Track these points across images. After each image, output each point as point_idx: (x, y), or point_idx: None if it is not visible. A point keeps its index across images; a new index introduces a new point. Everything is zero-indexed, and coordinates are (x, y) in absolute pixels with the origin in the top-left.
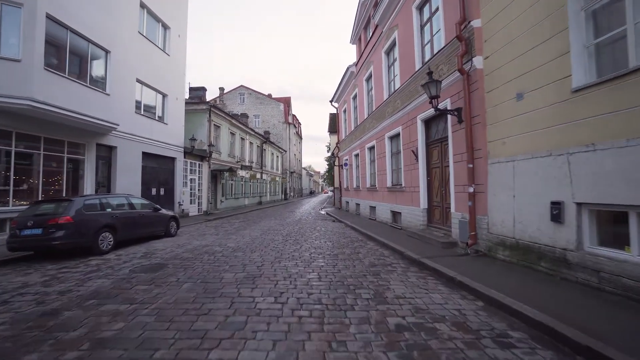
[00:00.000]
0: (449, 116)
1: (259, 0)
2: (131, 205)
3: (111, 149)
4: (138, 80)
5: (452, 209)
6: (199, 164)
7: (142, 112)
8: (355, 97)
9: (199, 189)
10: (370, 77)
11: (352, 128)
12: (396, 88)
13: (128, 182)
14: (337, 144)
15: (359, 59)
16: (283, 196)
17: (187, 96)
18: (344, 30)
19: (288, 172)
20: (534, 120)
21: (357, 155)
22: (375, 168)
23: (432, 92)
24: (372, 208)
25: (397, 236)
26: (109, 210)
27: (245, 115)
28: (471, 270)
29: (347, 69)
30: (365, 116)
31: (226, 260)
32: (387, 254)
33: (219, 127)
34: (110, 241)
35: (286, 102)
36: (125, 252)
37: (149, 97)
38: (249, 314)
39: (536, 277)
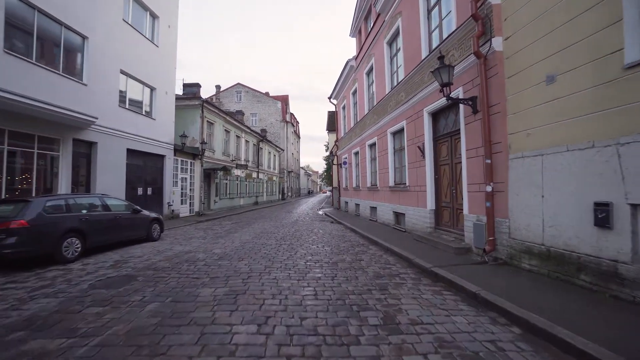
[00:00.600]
0: (461, 107)
1: (258, 0)
2: (106, 207)
3: (91, 145)
4: (122, 72)
5: (465, 211)
6: (191, 163)
7: (127, 106)
8: (355, 93)
9: (190, 189)
10: (371, 70)
11: (352, 125)
12: (400, 80)
13: (110, 181)
14: (335, 142)
15: (359, 52)
16: (280, 196)
17: (180, 93)
18: (343, 29)
19: (286, 171)
20: (569, 106)
21: (356, 154)
22: (377, 166)
23: (443, 79)
24: (373, 209)
25: (401, 240)
26: (78, 212)
27: (240, 113)
28: (495, 283)
29: (347, 63)
30: (366, 112)
31: (208, 270)
32: (393, 261)
33: (212, 124)
34: (77, 248)
35: (284, 100)
36: (94, 260)
37: (135, 90)
38: (220, 353)
39: (579, 295)
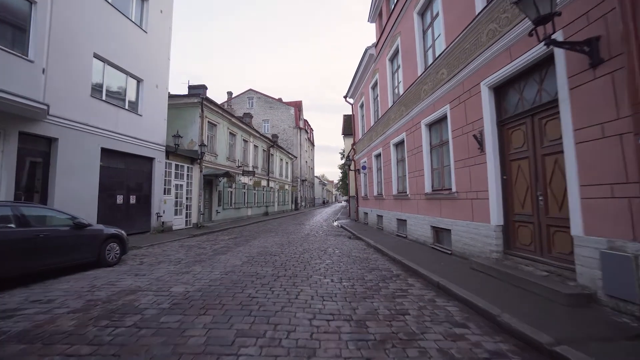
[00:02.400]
0: (561, 63)
1: (273, 13)
2: (21, 220)
3: (50, 141)
4: (97, 56)
5: (578, 230)
6: (188, 168)
7: (103, 98)
8: (375, 86)
9: (187, 198)
10: (396, 53)
11: (372, 123)
12: (438, 54)
13: (78, 186)
14: (352, 145)
15: (380, 38)
16: (293, 206)
17: (186, 94)
18: (356, 38)
19: (299, 180)
20: None
21: (378, 156)
22: (405, 169)
23: (541, 10)
24: (401, 222)
25: (455, 270)
26: None
27: (249, 115)
28: None
29: (365, 51)
30: (390, 105)
31: (127, 343)
32: (460, 316)
33: (215, 125)
34: None
35: (297, 106)
36: None
37: (115, 81)
38: None
39: None
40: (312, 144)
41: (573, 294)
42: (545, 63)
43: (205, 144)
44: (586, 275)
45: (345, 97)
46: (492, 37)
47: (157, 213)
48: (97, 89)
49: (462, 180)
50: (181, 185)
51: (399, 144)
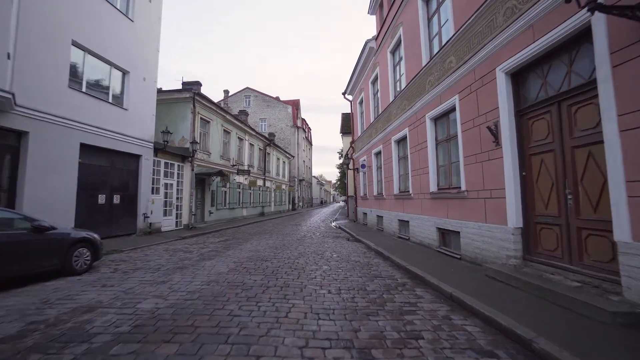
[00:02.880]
0: (600, 37)
1: (272, 15)
2: None
3: (19, 135)
4: (76, 44)
5: (624, 235)
6: (179, 166)
7: (83, 89)
8: (375, 81)
9: (177, 197)
10: (398, 45)
11: (372, 120)
12: (445, 42)
13: (52, 185)
14: (351, 143)
15: (380, 30)
16: (290, 206)
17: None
18: (357, 37)
19: (296, 179)
20: None
21: (378, 154)
22: (408, 167)
23: None
24: (403, 223)
25: (467, 277)
26: None
27: (244, 113)
28: None
29: (365, 45)
30: (391, 99)
31: None
32: (478, 333)
33: (208, 122)
34: None
35: (295, 104)
36: None
37: (98, 71)
38: None
39: None
40: (310, 143)
41: (621, 312)
42: (577, 41)
43: (197, 141)
44: (636, 289)
45: (343, 93)
46: (510, 15)
47: (143, 214)
48: (76, 80)
49: (473, 178)
50: (171, 185)
51: (401, 141)
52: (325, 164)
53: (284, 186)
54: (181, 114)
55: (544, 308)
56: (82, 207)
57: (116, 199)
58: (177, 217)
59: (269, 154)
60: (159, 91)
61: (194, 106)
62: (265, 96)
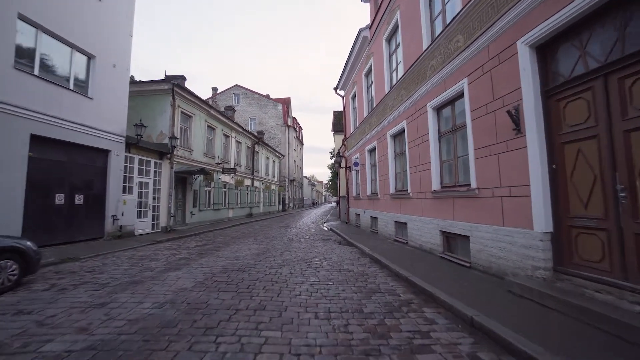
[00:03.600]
0: None
1: (259, 13)
2: None
3: None
4: (25, 19)
5: None
6: (156, 163)
7: (35, 72)
8: (369, 73)
9: (154, 197)
10: (394, 31)
11: (365, 115)
12: (451, 18)
13: None
14: (343, 141)
15: (375, 17)
16: (281, 207)
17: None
18: (350, 40)
19: (287, 179)
20: None
21: (372, 151)
22: (406, 163)
23: None
24: (401, 225)
25: (485, 293)
26: None
27: (231, 109)
28: None
29: (358, 34)
30: (387, 90)
31: None
32: None
33: (190, 117)
34: None
35: (285, 102)
36: None
37: (56, 53)
38: None
39: None
40: (301, 143)
41: None
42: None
43: (177, 136)
44: None
45: (335, 88)
46: None
47: (113, 216)
48: (25, 62)
49: (487, 173)
50: (147, 183)
51: (398, 135)
52: (316, 165)
53: (273, 186)
54: (159, 107)
55: (605, 344)
56: (33, 209)
57: (78, 199)
58: (154, 219)
59: (257, 152)
60: (135, 82)
61: (174, 99)
62: (255, 94)
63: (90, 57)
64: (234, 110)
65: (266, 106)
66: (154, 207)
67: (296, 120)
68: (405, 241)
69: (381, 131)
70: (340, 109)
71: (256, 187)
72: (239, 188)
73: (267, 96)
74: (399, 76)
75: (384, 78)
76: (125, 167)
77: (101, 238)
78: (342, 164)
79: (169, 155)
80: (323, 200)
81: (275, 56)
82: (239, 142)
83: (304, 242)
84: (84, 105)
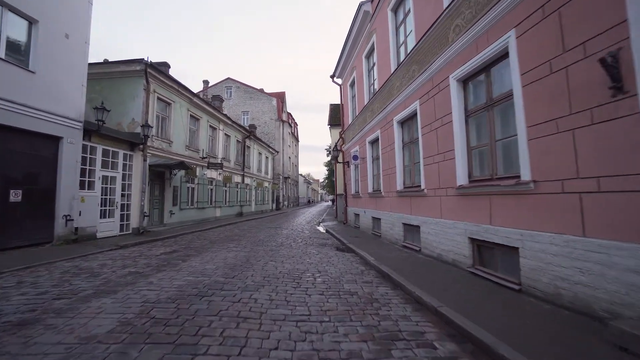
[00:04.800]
0: None
1: (253, 14)
2: None
3: None
4: None
5: None
6: (126, 155)
7: None
8: (370, 53)
9: (123, 194)
10: None
11: (366, 101)
12: None
13: None
14: (340, 133)
15: None
16: (274, 206)
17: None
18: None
19: (281, 177)
20: None
21: (374, 142)
22: (418, 153)
23: None
24: (411, 228)
25: (575, 343)
26: None
27: (218, 98)
28: None
29: (359, 8)
30: (393, 69)
31: None
32: None
33: (169, 104)
34: None
35: (280, 97)
36: None
37: None
38: None
39: None
40: (297, 140)
41: None
42: None
43: (151, 124)
44: None
45: (332, 76)
46: None
47: (65, 216)
48: None
49: (549, 160)
50: (114, 178)
51: (407, 120)
52: (312, 164)
53: (266, 184)
54: (130, 91)
55: None
56: None
57: (15, 196)
58: (123, 219)
59: (248, 147)
60: (101, 63)
61: (147, 82)
62: (248, 87)
63: (31, 22)
64: (222, 101)
65: (260, 100)
66: (123, 205)
67: (291, 116)
68: (418, 248)
69: (386, 118)
70: (338, 102)
71: (247, 185)
72: (228, 185)
73: (261, 90)
74: (409, 50)
75: (389, 55)
76: (85, 158)
77: (49, 243)
78: (340, 159)
79: (141, 146)
80: (319, 199)
81: (270, 54)
82: (227, 135)
83: (295, 247)
84: (24, 80)
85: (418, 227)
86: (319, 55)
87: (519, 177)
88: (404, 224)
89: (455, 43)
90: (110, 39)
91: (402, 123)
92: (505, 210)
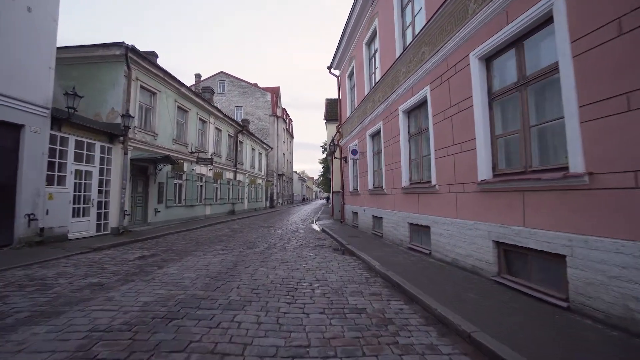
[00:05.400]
0: None
1: (251, 10)
2: None
3: None
4: None
5: None
6: (105, 147)
7: None
8: (372, 40)
9: (101, 190)
10: None
11: (367, 92)
12: None
13: None
14: (338, 127)
15: None
16: (268, 203)
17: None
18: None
19: (275, 174)
20: None
21: (375, 135)
22: (429, 146)
23: None
24: (419, 229)
25: None
26: None
27: (209, 90)
28: None
29: None
30: (398, 54)
31: None
32: None
33: (154, 94)
34: None
35: (274, 92)
36: None
37: None
38: None
39: None
40: (291, 136)
41: None
42: None
43: (133, 114)
44: None
45: (329, 67)
46: None
47: (28, 214)
48: None
49: (612, 146)
50: (89, 173)
51: (415, 109)
52: (307, 161)
53: (260, 181)
54: (110, 78)
55: None
56: None
57: None
58: (100, 218)
59: (241, 142)
60: (76, 47)
61: (129, 68)
62: (241, 81)
63: None
64: (213, 93)
65: (254, 95)
66: (100, 203)
67: (286, 112)
68: (427, 251)
69: (389, 108)
70: (334, 97)
71: (240, 181)
72: (219, 181)
73: (255, 85)
74: (417, 32)
75: (394, 39)
76: (54, 150)
77: (7, 246)
78: (337, 154)
79: (121, 138)
80: (314, 197)
81: (264, 51)
82: (218, 130)
83: (289, 249)
84: None
85: (428, 227)
86: (314, 52)
87: (566, 168)
88: (411, 224)
89: (477, 15)
90: (102, 37)
91: (409, 113)
92: (545, 210)
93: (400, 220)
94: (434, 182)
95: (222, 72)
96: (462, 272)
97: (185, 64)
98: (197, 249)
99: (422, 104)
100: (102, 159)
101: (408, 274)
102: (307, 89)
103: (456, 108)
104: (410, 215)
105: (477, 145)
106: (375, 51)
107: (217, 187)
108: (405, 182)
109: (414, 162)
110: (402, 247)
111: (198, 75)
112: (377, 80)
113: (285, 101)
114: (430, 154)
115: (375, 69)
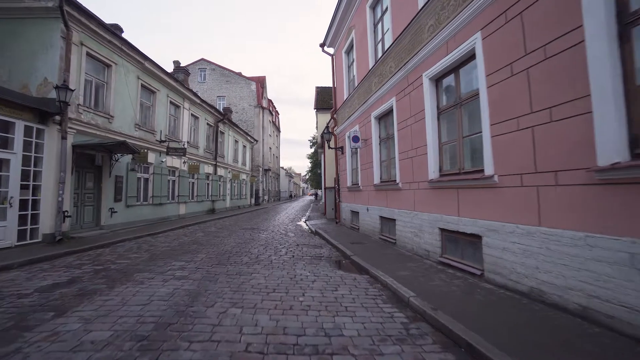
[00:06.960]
0: None
1: (234, 5)
2: None
3: None
4: None
5: None
6: (31, 129)
7: None
8: (377, 3)
9: (26, 185)
10: None
11: (371, 65)
12: None
13: None
14: (332, 113)
15: None
16: (253, 200)
17: None
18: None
19: (261, 169)
20: None
21: (383, 117)
22: (482, 116)
23: None
24: (456, 239)
25: None
26: None
27: (183, 71)
28: None
29: None
30: (421, 4)
31: None
32: None
33: (108, 66)
34: None
35: (260, 81)
36: None
37: None
38: None
39: None
40: (278, 129)
41: None
42: None
43: (73, 87)
44: None
45: (322, 45)
46: None
47: None
48: None
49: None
50: (6, 162)
51: (448, 73)
52: (293, 158)
53: (244, 176)
54: (41, 39)
55: None
56: None
57: None
58: (26, 223)
59: (222, 132)
60: None
61: (67, 27)
62: (224, 70)
63: None
64: (188, 74)
65: (237, 84)
66: (26, 202)
67: (272, 103)
68: (480, 272)
69: (407, 78)
70: (325, 85)
71: (221, 176)
72: (195, 176)
73: (239, 74)
74: None
75: None
76: None
77: None
78: (331, 144)
79: (57, 118)
80: (301, 193)
81: (250, 42)
82: (195, 117)
83: (277, 266)
84: None
85: (479, 237)
86: (300, 45)
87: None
88: (443, 231)
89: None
90: None
91: (438, 80)
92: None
93: (426, 225)
94: (489, 171)
95: (203, 59)
96: (556, 314)
97: (163, 51)
98: (147, 267)
99: (463, 63)
100: (28, 143)
101: (477, 321)
102: (293, 82)
103: (529, 59)
104: (443, 219)
105: (597, 103)
106: (385, 10)
107: (193, 183)
108: (433, 173)
109: (448, 146)
110: (429, 261)
111: (177, 62)
112: (385, 48)
113: (270, 96)
114: (482, 132)
115: (383, 34)
